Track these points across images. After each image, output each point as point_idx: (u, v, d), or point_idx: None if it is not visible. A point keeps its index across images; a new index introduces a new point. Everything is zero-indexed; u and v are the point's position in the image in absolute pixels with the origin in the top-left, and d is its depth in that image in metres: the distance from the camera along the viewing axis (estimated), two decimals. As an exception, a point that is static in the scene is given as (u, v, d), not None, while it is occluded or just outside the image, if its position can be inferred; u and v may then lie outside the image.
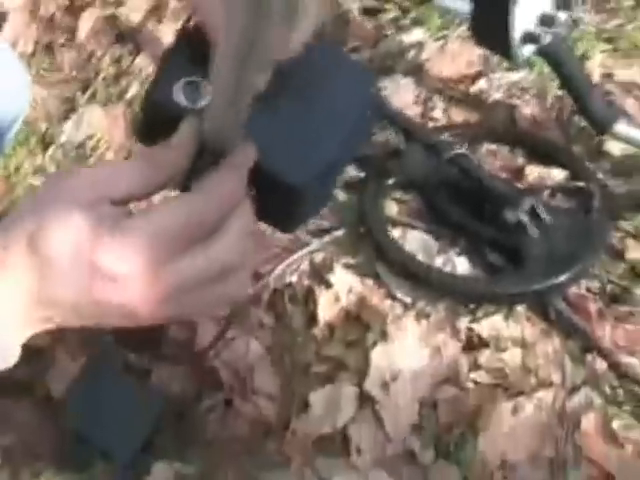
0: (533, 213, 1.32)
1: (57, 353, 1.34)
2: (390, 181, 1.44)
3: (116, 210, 0.53)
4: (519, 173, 1.45)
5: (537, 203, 1.33)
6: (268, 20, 0.46)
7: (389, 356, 1.26)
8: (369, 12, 1.76)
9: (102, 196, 0.53)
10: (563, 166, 1.44)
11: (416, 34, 1.68)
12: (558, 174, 1.43)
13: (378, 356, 1.26)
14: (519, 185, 1.42)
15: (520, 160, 1.47)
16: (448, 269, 1.33)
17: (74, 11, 1.90)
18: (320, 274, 1.35)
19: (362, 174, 1.46)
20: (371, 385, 1.24)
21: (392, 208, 1.43)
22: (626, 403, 1.20)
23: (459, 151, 1.39)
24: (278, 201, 0.59)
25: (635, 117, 1.47)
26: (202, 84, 0.55)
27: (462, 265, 1.34)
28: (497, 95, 1.57)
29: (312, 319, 1.32)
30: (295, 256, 1.37)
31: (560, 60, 1.42)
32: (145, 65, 1.77)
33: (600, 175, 1.42)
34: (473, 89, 1.59)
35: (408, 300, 1.31)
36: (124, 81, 1.77)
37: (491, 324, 1.27)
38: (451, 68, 1.62)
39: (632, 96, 1.52)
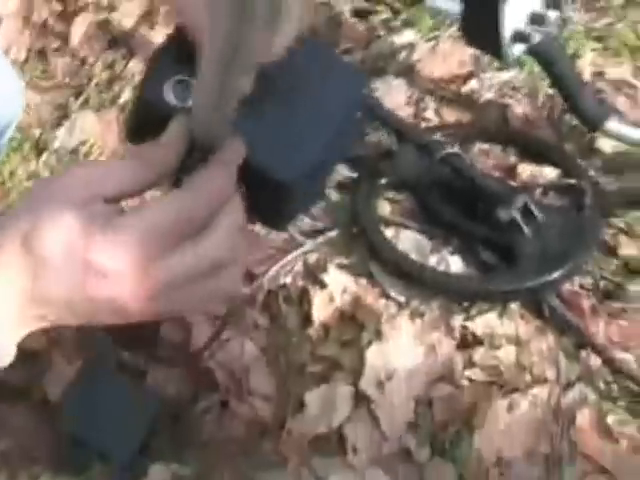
0: (526, 211, 1.32)
1: (53, 357, 1.34)
2: (383, 181, 1.45)
3: (108, 208, 0.54)
4: (511, 172, 1.45)
5: (530, 201, 1.33)
6: (252, 24, 0.46)
7: (384, 355, 1.26)
8: (360, 14, 1.77)
9: (95, 194, 0.54)
10: (555, 164, 1.44)
11: (407, 35, 1.69)
12: (550, 172, 1.44)
13: (373, 355, 1.26)
14: (512, 184, 1.42)
15: (512, 159, 1.48)
16: (442, 268, 1.34)
17: (67, 17, 1.90)
18: (314, 274, 1.35)
19: (355, 174, 1.46)
20: (366, 384, 1.24)
21: (385, 208, 1.43)
22: (621, 398, 1.20)
23: (451, 151, 1.40)
24: (267, 198, 0.60)
25: (626, 114, 1.47)
26: (192, 83, 0.55)
27: (455, 264, 1.34)
28: (489, 95, 1.57)
29: (307, 319, 1.32)
30: (289, 257, 1.38)
31: (550, 59, 1.42)
32: (138, 70, 1.76)
33: (592, 172, 1.42)
34: (465, 89, 1.59)
35: (402, 299, 1.31)
36: (117, 86, 1.77)
37: (485, 322, 1.27)
38: (442, 68, 1.62)
39: (623, 94, 1.52)
